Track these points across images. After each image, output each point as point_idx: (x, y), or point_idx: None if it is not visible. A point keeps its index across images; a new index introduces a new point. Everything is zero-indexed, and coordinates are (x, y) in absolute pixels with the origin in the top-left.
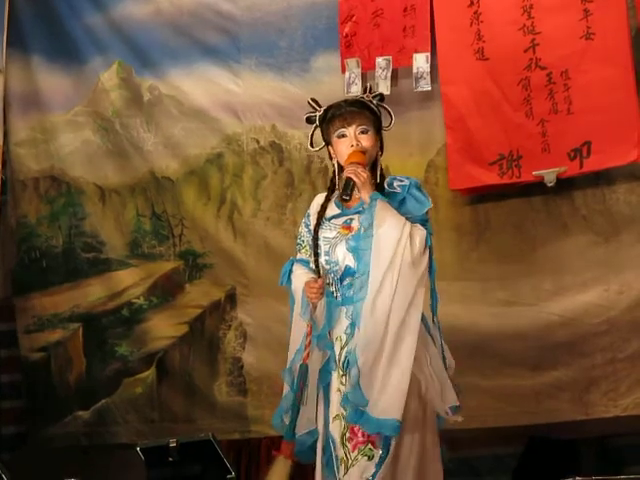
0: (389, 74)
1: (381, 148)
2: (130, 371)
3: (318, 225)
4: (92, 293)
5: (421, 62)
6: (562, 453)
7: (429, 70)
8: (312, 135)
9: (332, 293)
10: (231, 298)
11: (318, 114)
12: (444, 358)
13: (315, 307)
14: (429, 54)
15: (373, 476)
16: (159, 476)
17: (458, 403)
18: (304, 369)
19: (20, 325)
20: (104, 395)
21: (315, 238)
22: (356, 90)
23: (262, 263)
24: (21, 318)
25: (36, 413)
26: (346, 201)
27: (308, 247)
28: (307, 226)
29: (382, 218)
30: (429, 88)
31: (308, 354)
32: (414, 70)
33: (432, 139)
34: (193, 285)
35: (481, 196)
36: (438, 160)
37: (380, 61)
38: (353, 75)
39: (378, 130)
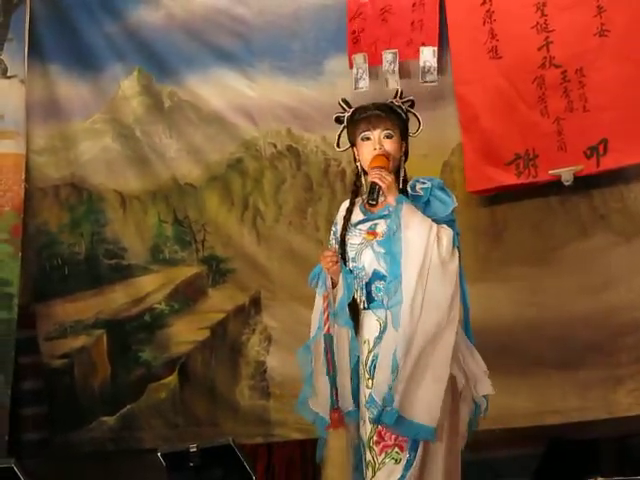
0: (396, 67)
1: (406, 155)
2: (154, 376)
3: (344, 231)
4: (115, 299)
5: (428, 55)
6: (584, 453)
7: (436, 65)
8: (339, 135)
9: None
10: (255, 302)
11: (347, 115)
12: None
13: (335, 284)
14: (436, 48)
15: (400, 479)
16: None
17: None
18: (329, 339)
19: (41, 332)
20: (129, 400)
21: (342, 244)
22: (364, 85)
23: (286, 267)
24: (42, 325)
25: (59, 419)
26: (373, 206)
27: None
28: (335, 234)
29: (409, 221)
30: (436, 82)
31: (329, 328)
32: (421, 64)
33: (446, 139)
34: (216, 290)
35: (498, 196)
36: (453, 160)
37: (387, 54)
38: (360, 70)
39: (404, 136)
